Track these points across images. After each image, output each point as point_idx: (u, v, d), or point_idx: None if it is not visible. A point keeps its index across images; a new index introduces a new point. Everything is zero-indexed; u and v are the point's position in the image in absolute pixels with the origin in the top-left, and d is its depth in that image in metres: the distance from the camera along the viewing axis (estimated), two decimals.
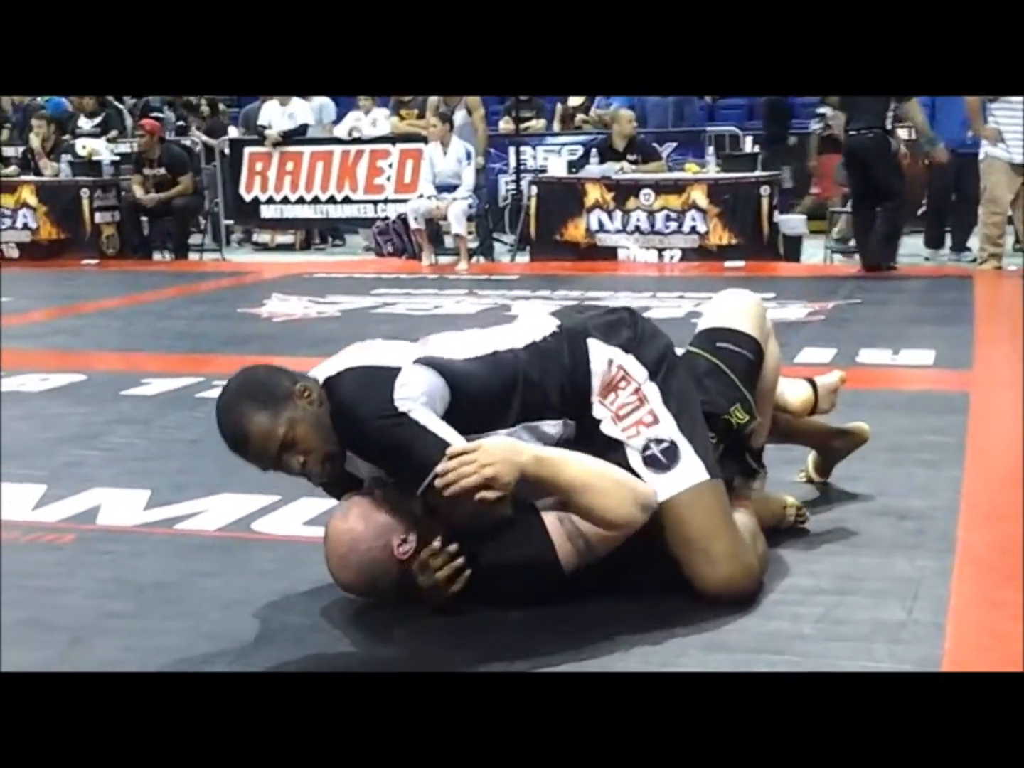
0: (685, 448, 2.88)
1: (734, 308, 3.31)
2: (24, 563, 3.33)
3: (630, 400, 2.91)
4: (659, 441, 2.88)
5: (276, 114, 12.66)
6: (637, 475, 2.85)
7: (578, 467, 2.78)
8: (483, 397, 2.85)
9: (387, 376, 2.76)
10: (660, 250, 10.62)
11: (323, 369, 2.86)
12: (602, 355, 2.94)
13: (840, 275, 9.72)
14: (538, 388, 2.89)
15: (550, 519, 2.79)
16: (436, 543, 2.79)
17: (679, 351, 3.13)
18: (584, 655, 2.63)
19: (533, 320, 3.08)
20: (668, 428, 2.89)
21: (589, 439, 2.92)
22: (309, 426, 2.73)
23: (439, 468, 2.68)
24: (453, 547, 2.78)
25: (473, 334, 3.05)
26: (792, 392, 3.57)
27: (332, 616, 2.90)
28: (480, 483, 2.67)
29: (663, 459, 2.86)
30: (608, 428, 2.91)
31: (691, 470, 2.86)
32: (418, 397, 2.73)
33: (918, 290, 8.66)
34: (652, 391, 2.92)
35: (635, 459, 2.88)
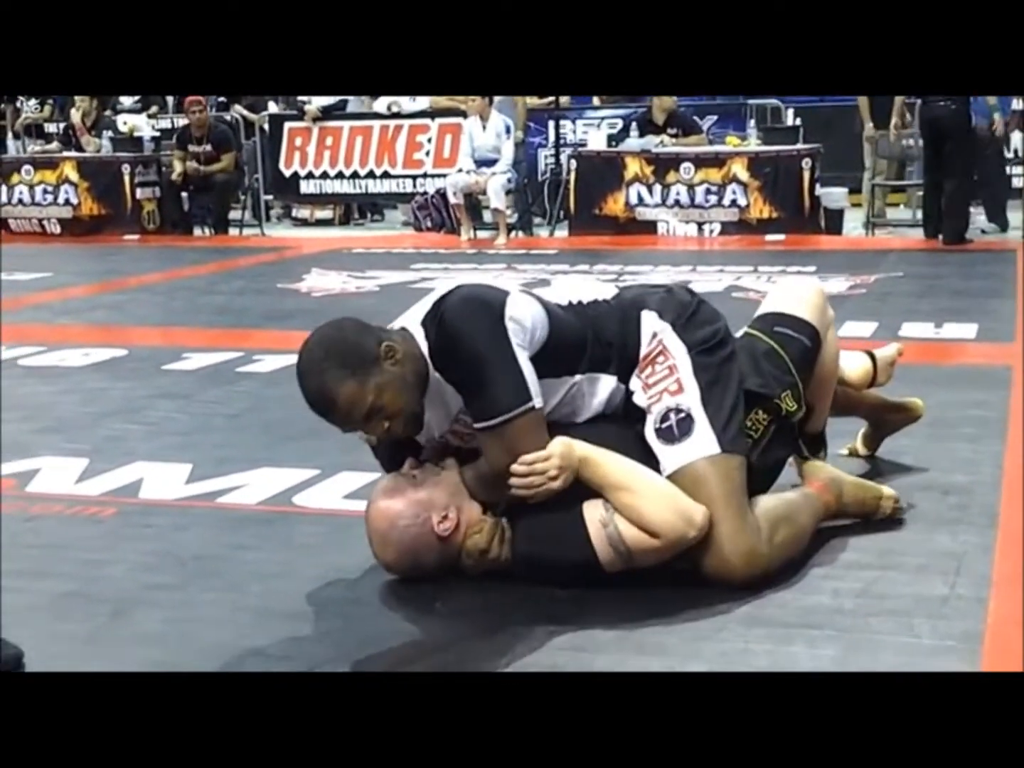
0: (701, 420, 2.85)
1: (795, 295, 3.30)
2: (67, 536, 3.36)
3: (662, 371, 2.91)
4: (678, 411, 2.86)
5: None
6: (650, 447, 2.85)
7: (619, 468, 2.79)
8: (567, 340, 2.86)
9: (498, 294, 2.79)
10: (700, 224, 10.56)
11: (414, 312, 2.84)
12: (650, 328, 2.94)
13: (882, 248, 9.65)
14: (601, 342, 2.91)
15: (594, 527, 2.76)
16: (484, 527, 2.81)
17: (737, 333, 3.12)
18: (625, 630, 2.63)
19: (594, 283, 3.11)
20: (690, 398, 2.87)
21: (629, 414, 2.93)
22: (396, 390, 2.71)
23: (513, 469, 2.71)
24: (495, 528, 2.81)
25: (543, 289, 3.09)
26: (852, 365, 3.56)
27: (374, 589, 2.91)
28: (544, 493, 2.73)
29: (676, 431, 2.84)
30: (638, 398, 2.92)
31: (702, 443, 2.83)
32: (524, 322, 2.74)
33: (960, 263, 8.58)
34: (685, 363, 2.91)
35: (649, 430, 2.87)
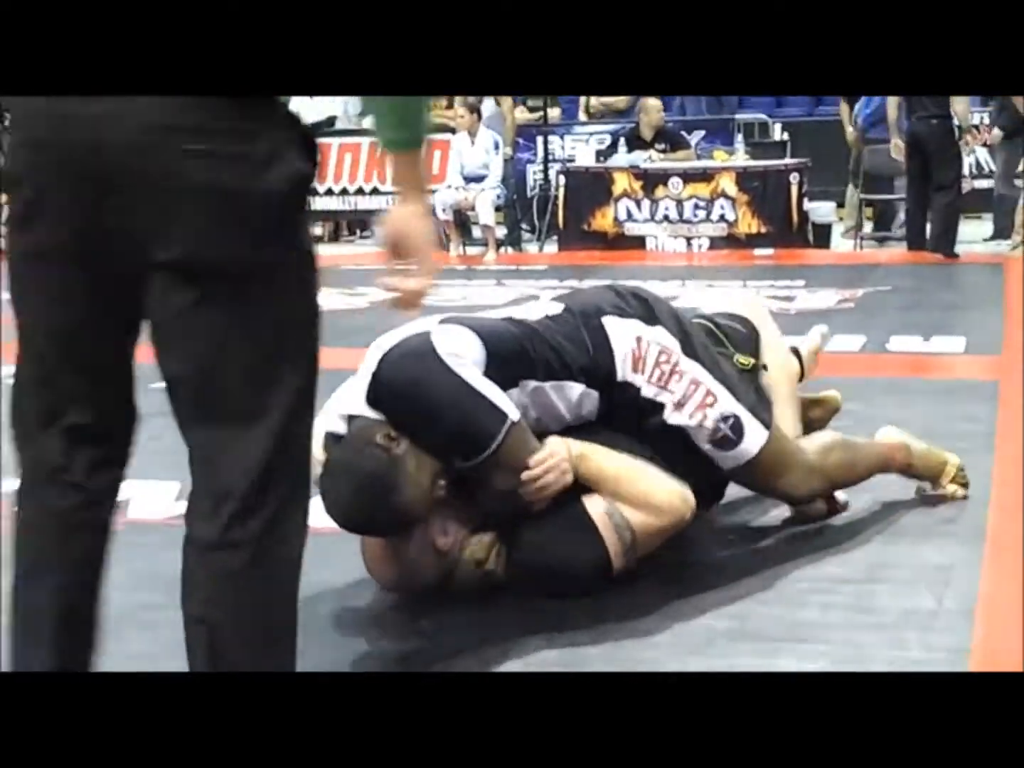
0: (744, 415, 2.97)
1: (729, 299, 3.61)
2: None
3: (684, 385, 2.93)
4: (725, 419, 2.95)
5: (304, 105, 12.68)
6: (706, 455, 2.96)
7: (614, 458, 2.84)
8: (507, 348, 2.82)
9: (422, 340, 2.75)
10: (688, 239, 10.59)
11: (353, 396, 2.78)
12: (624, 331, 2.94)
13: (870, 262, 9.67)
14: (557, 352, 2.88)
15: (600, 519, 2.78)
16: (483, 540, 2.82)
17: None
18: (612, 645, 2.63)
19: (539, 303, 3.10)
20: (725, 402, 2.96)
21: (625, 419, 2.93)
22: (423, 453, 2.68)
23: (526, 476, 2.70)
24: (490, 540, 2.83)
25: (482, 314, 3.09)
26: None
27: (357, 607, 2.90)
28: (558, 490, 2.75)
29: (733, 436, 2.96)
30: (672, 417, 2.94)
31: (755, 434, 2.99)
32: (457, 351, 2.72)
33: (948, 276, 8.61)
34: (697, 368, 2.96)
35: (703, 443, 2.96)
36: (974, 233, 10.72)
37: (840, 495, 3.36)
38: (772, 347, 3.39)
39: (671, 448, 2.93)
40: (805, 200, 10.32)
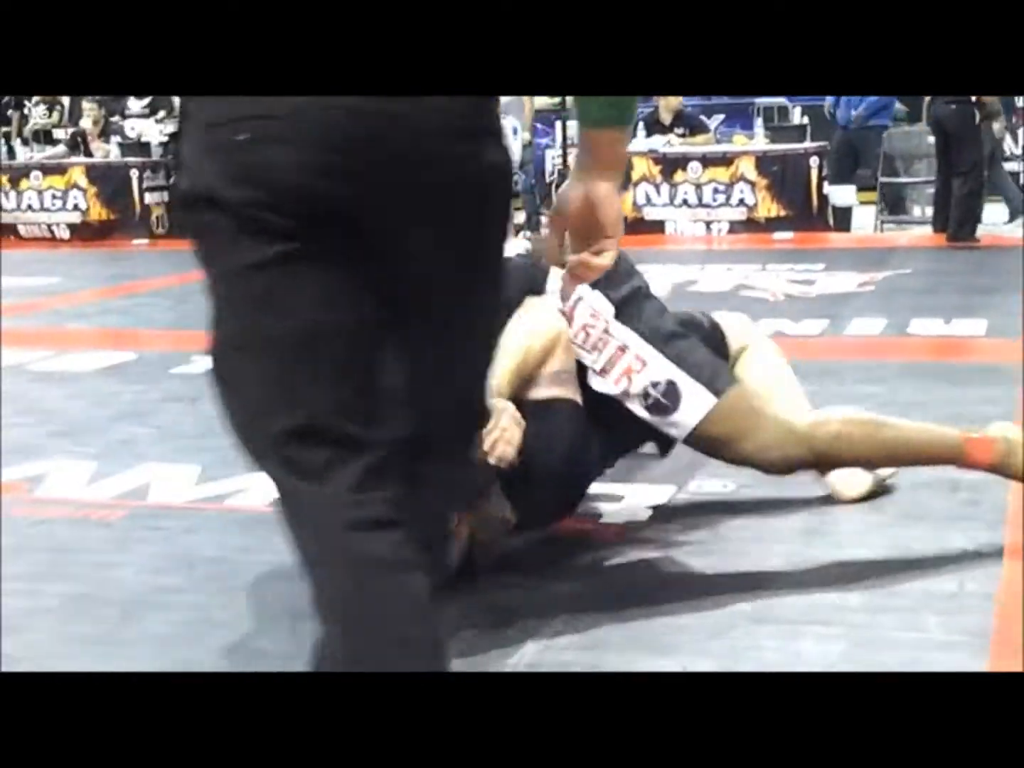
0: (683, 380, 2.86)
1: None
2: (77, 539, 3.37)
3: (611, 351, 2.89)
4: (655, 384, 2.87)
5: None
6: (648, 423, 2.89)
7: (507, 354, 2.78)
8: None
9: None
10: (708, 223, 10.56)
11: None
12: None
13: (890, 245, 9.63)
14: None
15: (547, 392, 2.82)
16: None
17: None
18: (633, 629, 2.63)
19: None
20: (658, 366, 2.88)
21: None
22: None
23: (488, 448, 2.68)
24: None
25: None
26: None
27: None
28: (518, 438, 2.72)
29: (666, 402, 2.86)
30: (597, 384, 2.91)
31: (697, 401, 2.86)
32: None
33: (969, 259, 8.56)
34: (626, 333, 2.91)
35: (639, 409, 2.88)
36: (995, 216, 10.66)
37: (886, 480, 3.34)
38: (759, 357, 3.28)
39: (609, 414, 2.89)
40: (825, 183, 10.28)
